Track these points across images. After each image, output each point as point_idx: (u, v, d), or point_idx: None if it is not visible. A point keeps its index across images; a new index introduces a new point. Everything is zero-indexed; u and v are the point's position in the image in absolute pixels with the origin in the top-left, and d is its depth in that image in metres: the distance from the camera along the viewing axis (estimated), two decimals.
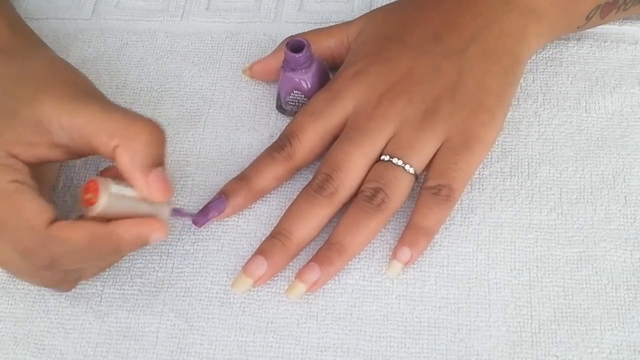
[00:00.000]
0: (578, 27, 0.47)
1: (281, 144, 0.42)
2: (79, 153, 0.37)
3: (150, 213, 0.37)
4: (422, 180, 0.42)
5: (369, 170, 0.41)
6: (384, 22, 0.45)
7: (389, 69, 0.42)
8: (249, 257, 0.41)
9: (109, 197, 0.35)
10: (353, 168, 0.41)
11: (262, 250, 0.40)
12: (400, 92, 0.42)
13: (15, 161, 0.35)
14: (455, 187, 0.41)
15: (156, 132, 0.37)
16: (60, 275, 0.38)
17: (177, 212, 0.39)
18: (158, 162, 0.36)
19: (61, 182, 0.45)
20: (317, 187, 0.41)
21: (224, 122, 0.47)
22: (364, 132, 0.41)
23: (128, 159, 0.36)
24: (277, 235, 0.40)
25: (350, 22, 0.47)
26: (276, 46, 0.48)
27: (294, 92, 0.45)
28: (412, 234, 0.40)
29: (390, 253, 0.41)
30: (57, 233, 0.35)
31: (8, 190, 0.35)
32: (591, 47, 0.48)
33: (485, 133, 0.41)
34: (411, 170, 0.41)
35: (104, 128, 0.36)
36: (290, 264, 0.41)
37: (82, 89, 0.39)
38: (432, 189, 0.40)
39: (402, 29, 0.44)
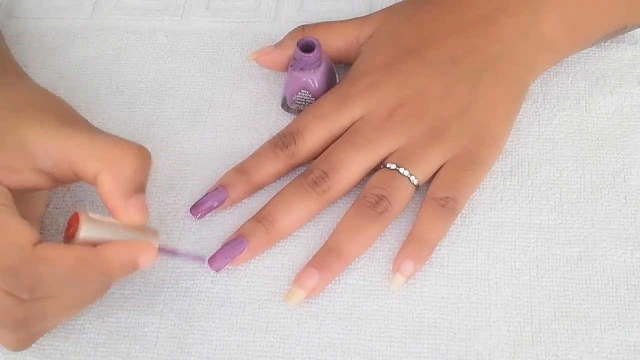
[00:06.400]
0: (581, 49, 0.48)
1: (285, 142, 0.42)
2: (62, 179, 0.36)
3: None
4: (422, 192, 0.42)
5: (362, 178, 0.42)
6: (400, 30, 0.45)
7: (403, 83, 0.42)
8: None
9: (88, 223, 0.34)
10: (350, 172, 0.41)
11: (243, 232, 0.40)
12: (412, 109, 0.42)
13: None
14: (460, 200, 0.41)
15: (142, 157, 0.35)
16: (29, 314, 0.34)
17: (164, 250, 0.37)
18: (139, 188, 0.35)
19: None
20: (311, 182, 0.41)
21: (224, 121, 0.47)
22: (369, 141, 0.41)
23: (109, 181, 0.34)
24: (261, 219, 0.40)
25: (361, 21, 0.46)
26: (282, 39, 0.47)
27: (302, 91, 0.44)
28: (417, 246, 0.40)
29: (393, 264, 0.40)
30: (43, 252, 0.33)
31: None
32: (591, 47, 0.48)
33: (489, 155, 0.42)
34: (415, 182, 0.41)
35: (89, 152, 0.35)
36: (290, 263, 0.41)
37: (67, 116, 0.38)
38: (440, 200, 0.40)
39: (419, 43, 0.44)
